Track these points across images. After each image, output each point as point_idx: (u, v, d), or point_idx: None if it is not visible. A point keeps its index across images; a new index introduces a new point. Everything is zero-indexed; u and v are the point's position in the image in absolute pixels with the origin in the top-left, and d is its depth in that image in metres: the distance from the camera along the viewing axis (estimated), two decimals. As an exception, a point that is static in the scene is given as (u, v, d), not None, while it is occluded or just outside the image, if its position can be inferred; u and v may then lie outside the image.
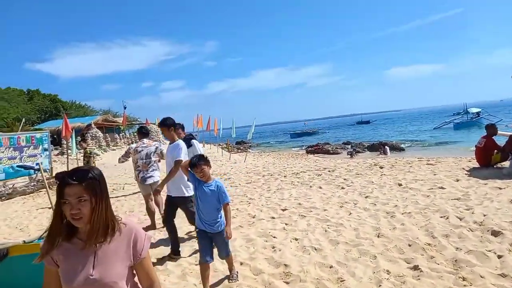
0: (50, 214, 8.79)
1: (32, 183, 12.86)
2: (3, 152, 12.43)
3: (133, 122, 44.46)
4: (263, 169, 12.25)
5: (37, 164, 10.92)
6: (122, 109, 36.85)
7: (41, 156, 14.06)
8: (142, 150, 6.08)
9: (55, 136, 25.94)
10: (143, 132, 6.31)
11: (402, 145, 24.88)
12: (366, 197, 6.53)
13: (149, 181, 5.96)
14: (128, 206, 8.24)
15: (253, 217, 6.07)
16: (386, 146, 20.95)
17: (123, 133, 32.67)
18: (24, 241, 3.78)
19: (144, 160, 6.03)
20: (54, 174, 14.34)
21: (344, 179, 8.52)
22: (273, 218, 5.86)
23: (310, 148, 28.89)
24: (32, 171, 13.45)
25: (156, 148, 6.22)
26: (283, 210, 6.28)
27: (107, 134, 29.03)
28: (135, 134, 36.95)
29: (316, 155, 25.90)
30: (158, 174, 6.14)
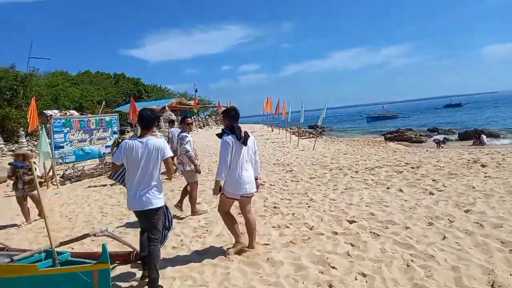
0: (103, 203, 8.61)
1: (100, 166, 13.07)
2: (73, 134, 12.75)
3: (206, 105, 45.25)
4: (332, 160, 10.77)
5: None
6: (200, 92, 37.43)
7: (110, 139, 14.27)
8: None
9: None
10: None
11: (502, 134, 21.10)
12: (467, 211, 4.85)
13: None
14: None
15: (310, 229, 4.82)
16: (482, 135, 17.78)
17: (196, 116, 33.16)
18: (11, 260, 3.07)
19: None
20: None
21: (433, 181, 6.76)
22: (335, 233, 4.54)
23: (389, 135, 26.26)
24: (101, 152, 13.73)
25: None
26: (350, 222, 4.92)
27: (179, 118, 29.56)
28: (207, 117, 37.42)
29: (396, 142, 23.34)
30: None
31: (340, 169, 8.88)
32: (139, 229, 5.89)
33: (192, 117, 32.54)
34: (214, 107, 41.10)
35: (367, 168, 8.62)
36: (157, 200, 3.50)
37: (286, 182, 8.17)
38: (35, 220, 7.34)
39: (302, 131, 26.95)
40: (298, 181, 8.10)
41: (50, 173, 11.50)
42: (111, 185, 10.44)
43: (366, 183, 7.20)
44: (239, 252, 4.18)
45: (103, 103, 22.22)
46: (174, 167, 4.03)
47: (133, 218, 6.53)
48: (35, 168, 6.63)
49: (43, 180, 11.55)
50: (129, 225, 6.16)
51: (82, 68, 48.55)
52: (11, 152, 15.19)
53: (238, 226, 4.45)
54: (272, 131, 26.82)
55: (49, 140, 11.63)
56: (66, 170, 12.24)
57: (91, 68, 50.11)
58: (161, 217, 3.62)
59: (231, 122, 4.35)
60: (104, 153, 13.84)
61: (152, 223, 3.54)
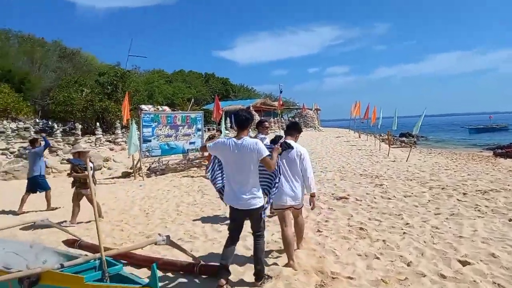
0: (180, 200, 8.52)
1: (183, 162, 13.34)
2: (160, 129, 13.18)
3: (291, 107, 44.77)
4: (431, 176, 9.29)
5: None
6: (285, 94, 37.10)
7: (194, 135, 14.54)
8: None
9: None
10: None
11: None
12: None
13: None
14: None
15: (408, 265, 3.86)
16: None
17: (279, 117, 32.88)
18: (61, 265, 2.77)
19: None
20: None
21: None
22: (442, 277, 3.53)
23: (500, 150, 22.67)
24: (185, 148, 14.03)
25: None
26: (462, 263, 3.84)
27: (262, 118, 29.57)
28: (290, 119, 36.87)
29: (509, 159, 20.00)
30: None
31: (442, 188, 7.51)
32: (209, 235, 5.56)
33: (275, 118, 32.39)
34: (298, 109, 40.44)
35: (479, 190, 7.12)
36: (257, 200, 3.50)
37: (375, 197, 7.14)
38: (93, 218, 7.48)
39: (393, 139, 24.81)
40: (389, 198, 7.01)
41: (138, 165, 12.00)
42: (194, 177, 10.47)
43: (479, 210, 5.85)
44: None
45: (192, 100, 23.06)
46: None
47: (205, 221, 6.23)
48: (91, 168, 6.07)
49: (131, 171, 12.14)
50: (200, 228, 5.82)
51: (178, 68, 51.81)
52: (108, 143, 16.46)
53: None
54: (359, 137, 25.17)
55: (138, 133, 12.16)
56: (152, 163, 12.70)
57: (186, 67, 53.24)
58: (261, 215, 3.63)
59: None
60: (187, 149, 14.13)
61: (255, 221, 3.62)
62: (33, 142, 8.37)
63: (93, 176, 6.43)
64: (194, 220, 6.36)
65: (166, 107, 26.03)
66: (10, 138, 14.57)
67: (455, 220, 5.42)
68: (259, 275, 3.58)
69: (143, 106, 22.60)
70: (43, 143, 8.47)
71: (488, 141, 36.30)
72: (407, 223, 5.40)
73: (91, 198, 6.13)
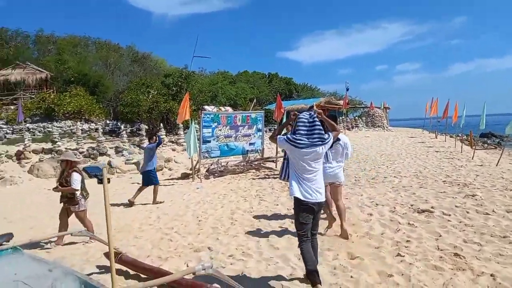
0: (236, 207, 7.91)
1: (242, 163, 12.80)
2: (220, 130, 12.78)
3: (357, 106, 42.51)
4: (537, 185, 7.57)
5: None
6: (351, 93, 35.25)
7: (254, 136, 13.95)
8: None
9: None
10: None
11: None
12: None
13: None
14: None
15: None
16: None
17: (345, 117, 31.18)
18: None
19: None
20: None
21: None
22: None
23: None
24: (245, 149, 13.49)
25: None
26: None
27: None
28: (356, 118, 34.87)
29: None
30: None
31: (561, 202, 5.92)
32: (264, 253, 4.79)
33: (340, 118, 30.76)
34: (365, 108, 38.18)
35: None
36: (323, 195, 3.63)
37: (467, 212, 5.82)
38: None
39: (475, 140, 22.00)
40: (487, 214, 5.64)
41: (197, 167, 11.70)
42: (255, 178, 9.83)
43: None
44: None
45: (254, 100, 22.62)
46: None
47: (261, 234, 5.46)
48: (79, 180, 5.42)
49: (190, 172, 11.87)
50: (254, 243, 5.08)
51: (242, 70, 52.12)
52: (171, 143, 16.58)
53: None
54: (436, 137, 22.70)
55: (198, 134, 11.86)
56: (211, 165, 12.33)
57: (250, 69, 53.36)
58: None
59: None
60: (247, 150, 13.58)
61: (317, 218, 3.77)
62: (150, 137, 8.74)
63: (84, 189, 5.69)
64: (248, 232, 5.65)
65: (228, 108, 26.03)
66: (80, 138, 15.26)
67: None
68: (316, 275, 3.46)
69: (205, 107, 22.78)
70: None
71: None
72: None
73: (81, 216, 5.56)
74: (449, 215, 5.74)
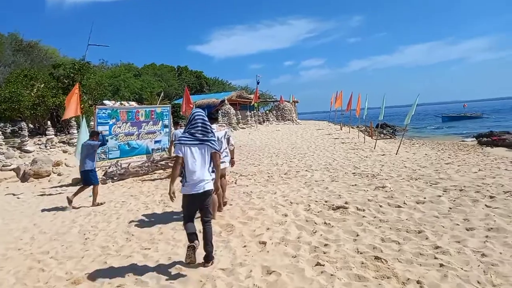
0: (135, 216, 6.77)
1: (147, 164, 11.50)
2: (119, 127, 11.31)
3: (268, 99, 43.25)
4: (438, 174, 7.91)
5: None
6: (262, 87, 35.32)
7: (160, 133, 12.73)
8: None
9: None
10: (212, 118, 5.54)
11: None
12: None
13: (221, 166, 5.27)
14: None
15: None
16: None
17: (256, 111, 31.22)
18: None
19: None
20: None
21: None
22: None
23: (485, 139, 21.98)
24: (149, 148, 12.22)
25: (225, 133, 5.92)
26: None
27: (238, 112, 27.77)
28: (267, 112, 35.33)
29: (494, 148, 19.27)
30: (228, 159, 5.99)
31: (460, 190, 6.10)
32: (162, 279, 3.88)
33: (251, 112, 30.76)
34: (275, 102, 38.91)
35: (507, 192, 5.75)
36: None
37: (380, 205, 5.66)
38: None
39: (375, 131, 23.69)
40: (399, 206, 5.54)
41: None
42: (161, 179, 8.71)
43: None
44: None
45: (162, 94, 21.10)
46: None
47: (162, 251, 4.44)
48: None
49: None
50: (152, 266, 4.13)
51: (150, 62, 49.10)
52: (62, 144, 14.35)
53: None
54: (341, 129, 23.90)
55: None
56: (108, 167, 10.81)
57: (158, 62, 50.56)
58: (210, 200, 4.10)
59: None
60: (152, 149, 12.33)
61: (207, 204, 4.01)
62: (92, 135, 8.09)
63: None
64: (146, 249, 4.68)
65: (133, 103, 23.93)
66: None
67: (500, 239, 3.99)
68: (209, 258, 3.99)
69: (106, 102, 20.50)
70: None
71: (460, 129, 36.04)
72: (437, 247, 3.93)
73: None
74: (363, 210, 5.51)
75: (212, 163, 3.99)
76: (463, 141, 24.93)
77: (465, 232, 4.34)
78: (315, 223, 5.13)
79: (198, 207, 4.04)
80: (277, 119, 33.12)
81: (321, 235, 4.65)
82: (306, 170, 9.56)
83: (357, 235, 4.52)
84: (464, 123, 46.48)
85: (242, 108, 32.51)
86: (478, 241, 4.00)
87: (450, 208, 5.24)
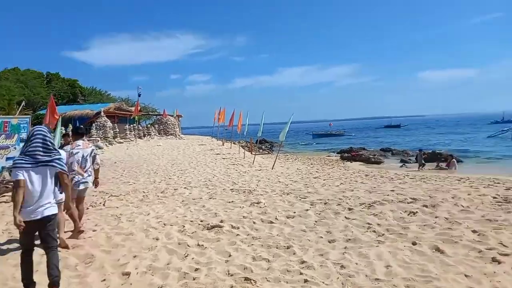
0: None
1: (-7, 185, 9.59)
2: (-44, 141, 9.25)
3: (150, 113, 41.55)
4: (307, 188, 8.49)
5: None
6: (145, 100, 33.58)
7: (15, 148, 10.83)
8: (78, 152, 5.37)
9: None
10: (79, 133, 5.53)
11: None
12: None
13: (82, 186, 5.38)
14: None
15: None
16: (453, 159, 16.76)
17: (137, 124, 29.57)
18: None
19: (81, 163, 5.37)
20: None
21: (474, 232, 4.70)
22: None
23: (346, 154, 24.93)
24: (1, 166, 10.27)
25: (92, 150, 5.55)
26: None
27: (116, 125, 25.85)
28: (149, 126, 33.86)
29: (353, 162, 22.01)
30: (91, 179, 5.55)
31: (325, 203, 6.61)
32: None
33: (131, 125, 29.06)
34: (158, 115, 37.57)
35: (362, 204, 6.44)
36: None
37: (254, 222, 5.72)
38: None
39: (254, 146, 24.74)
40: (272, 222, 5.68)
41: None
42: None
43: (374, 231, 4.98)
44: None
45: (23, 103, 18.22)
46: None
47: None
48: None
49: None
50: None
51: (11, 66, 42.32)
52: None
53: None
54: (223, 144, 24.26)
55: None
56: None
57: (23, 67, 43.93)
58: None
59: None
60: (3, 167, 10.39)
61: (48, 231, 3.46)
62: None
63: None
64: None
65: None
66: None
67: (356, 250, 4.35)
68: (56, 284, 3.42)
69: None
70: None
71: (327, 146, 40.63)
72: (303, 261, 4.08)
73: None
74: (238, 228, 5.48)
75: (58, 184, 3.43)
76: (329, 155, 27.88)
77: (327, 244, 4.63)
78: (188, 245, 4.87)
79: (37, 234, 3.47)
80: (159, 134, 31.95)
81: (192, 258, 4.40)
82: (184, 188, 9.25)
83: (230, 256, 4.42)
84: (330, 140, 52.49)
85: (121, 121, 30.40)
86: (338, 253, 4.29)
87: (315, 222, 5.59)
